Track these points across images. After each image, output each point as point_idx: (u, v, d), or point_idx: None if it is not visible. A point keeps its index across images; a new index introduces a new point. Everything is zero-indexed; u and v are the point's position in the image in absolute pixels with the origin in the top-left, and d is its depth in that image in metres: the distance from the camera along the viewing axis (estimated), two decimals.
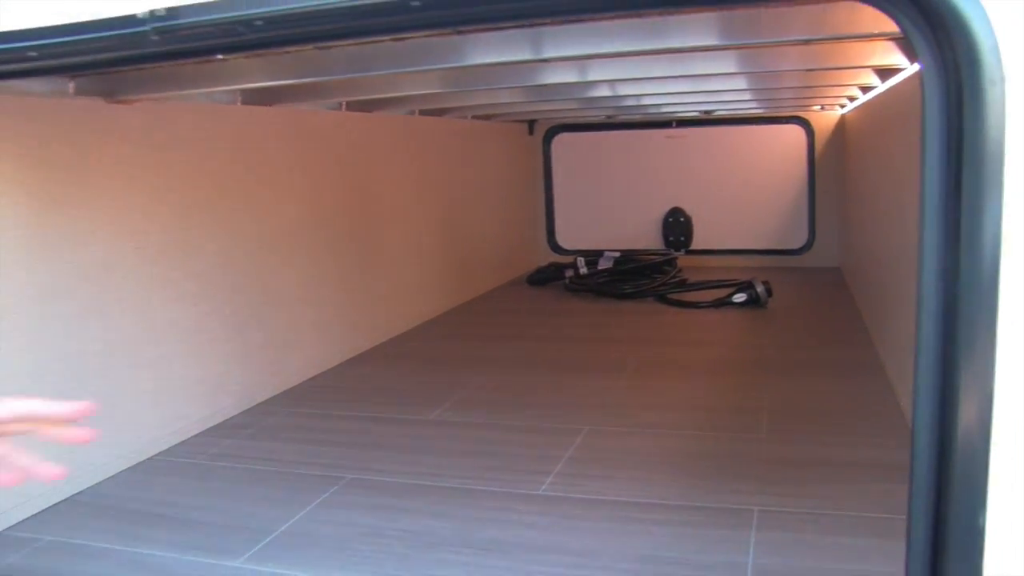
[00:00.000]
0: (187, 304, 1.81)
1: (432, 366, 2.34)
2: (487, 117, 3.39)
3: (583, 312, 3.05)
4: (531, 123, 3.95)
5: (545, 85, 2.17)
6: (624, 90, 2.42)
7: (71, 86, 1.53)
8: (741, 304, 2.93)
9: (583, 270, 3.50)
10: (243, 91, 1.93)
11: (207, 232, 1.87)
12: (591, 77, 2.00)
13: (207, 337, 1.87)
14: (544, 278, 3.58)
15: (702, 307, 2.96)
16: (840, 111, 3.50)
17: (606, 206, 3.92)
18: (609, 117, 3.69)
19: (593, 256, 3.61)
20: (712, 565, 1.17)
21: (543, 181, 4.02)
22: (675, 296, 3.10)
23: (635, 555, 1.21)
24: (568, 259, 3.73)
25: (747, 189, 3.74)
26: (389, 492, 1.48)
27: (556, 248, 4.02)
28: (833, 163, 3.57)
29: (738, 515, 1.32)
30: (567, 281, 3.48)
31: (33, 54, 0.81)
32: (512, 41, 1.46)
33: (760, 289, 2.92)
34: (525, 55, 1.62)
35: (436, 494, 1.46)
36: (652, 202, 3.85)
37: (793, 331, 2.61)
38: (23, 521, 1.42)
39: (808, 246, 3.70)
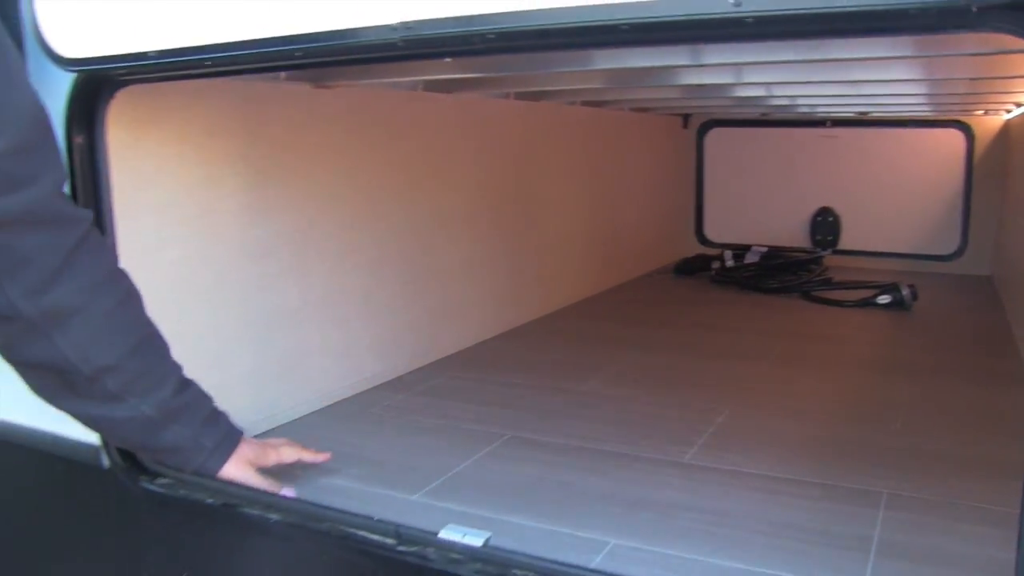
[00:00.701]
0: (368, 271, 2.01)
1: (582, 344, 2.49)
2: (644, 110, 3.51)
3: (727, 303, 3.14)
4: (686, 116, 4.04)
5: (701, 85, 2.28)
6: (779, 92, 2.51)
7: (283, 73, 1.73)
8: (885, 306, 2.96)
9: (729, 263, 3.59)
10: (425, 80, 2.11)
11: (388, 208, 2.07)
12: (747, 80, 2.10)
13: (383, 302, 2.07)
14: (691, 268, 3.67)
15: (846, 306, 3.01)
16: (1005, 116, 3.46)
17: (756, 201, 3.97)
18: (763, 115, 3.74)
19: (740, 250, 3.69)
20: (840, 535, 1.28)
21: (695, 174, 4.10)
22: (820, 294, 3.15)
23: (769, 520, 1.33)
24: (715, 252, 3.81)
25: (899, 191, 3.73)
26: (546, 450, 1.64)
27: (703, 240, 4.10)
28: (993, 170, 3.53)
29: (868, 496, 1.41)
30: (713, 273, 3.57)
31: (299, 54, 1.00)
32: (673, 49, 1.58)
33: (906, 292, 2.94)
34: (684, 61, 1.75)
35: (588, 455, 1.61)
36: (802, 200, 3.89)
37: (936, 335, 2.64)
38: None
39: (959, 253, 3.67)
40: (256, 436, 1.66)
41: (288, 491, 1.36)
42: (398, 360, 2.13)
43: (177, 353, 1.31)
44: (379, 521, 1.20)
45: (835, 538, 1.27)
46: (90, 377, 1.18)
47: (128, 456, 1.39)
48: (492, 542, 1.13)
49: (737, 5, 0.73)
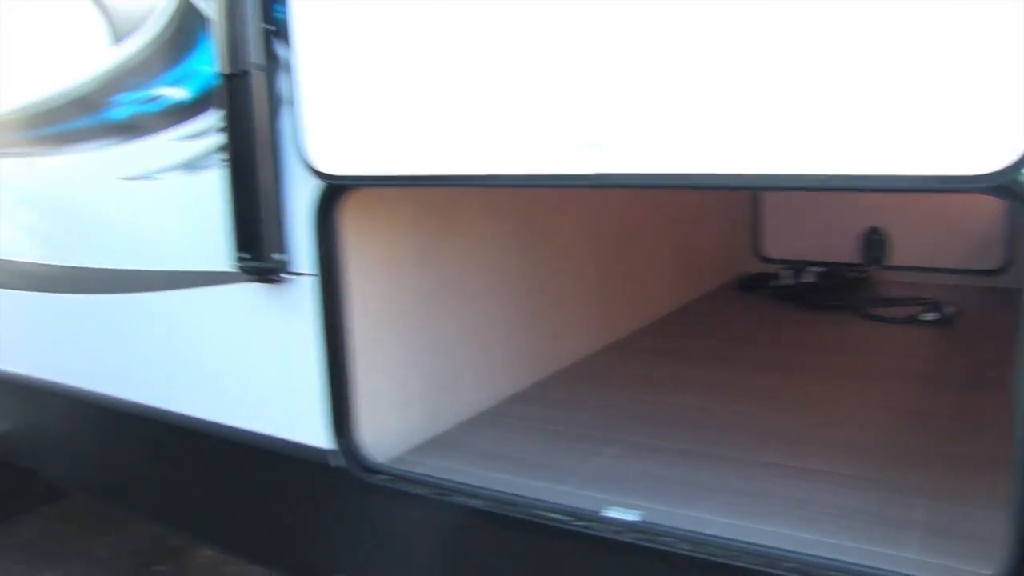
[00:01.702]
0: (501, 305, 2.47)
1: (670, 359, 2.93)
2: None
3: (788, 319, 3.55)
4: None
5: None
6: None
7: None
8: (931, 322, 3.35)
9: (788, 281, 4.00)
10: None
11: (516, 255, 2.52)
12: None
13: (512, 329, 2.53)
14: (753, 285, 4.09)
15: (895, 323, 3.41)
16: None
17: (811, 219, 4.34)
18: None
19: (796, 267, 4.09)
20: (894, 518, 1.71)
21: (753, 192, 4.47)
22: (873, 311, 3.55)
23: (841, 506, 1.76)
24: (773, 269, 4.21)
25: (945, 208, 4.05)
26: (657, 452, 2.08)
27: (762, 257, 4.49)
28: None
29: (918, 489, 1.85)
30: (772, 289, 3.98)
31: (501, 182, 1.46)
32: None
33: (950, 310, 3.34)
34: None
35: (691, 455, 2.05)
36: (853, 218, 4.24)
37: (984, 351, 3.02)
38: (410, 450, 2.11)
39: (1005, 268, 3.98)
40: (423, 442, 2.14)
41: None
42: (524, 376, 2.59)
43: (380, 376, 1.79)
44: (556, 504, 1.66)
45: (889, 520, 1.70)
46: None
47: (354, 456, 1.87)
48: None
49: None
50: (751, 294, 4.05)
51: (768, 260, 4.46)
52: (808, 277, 4.00)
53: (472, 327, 2.35)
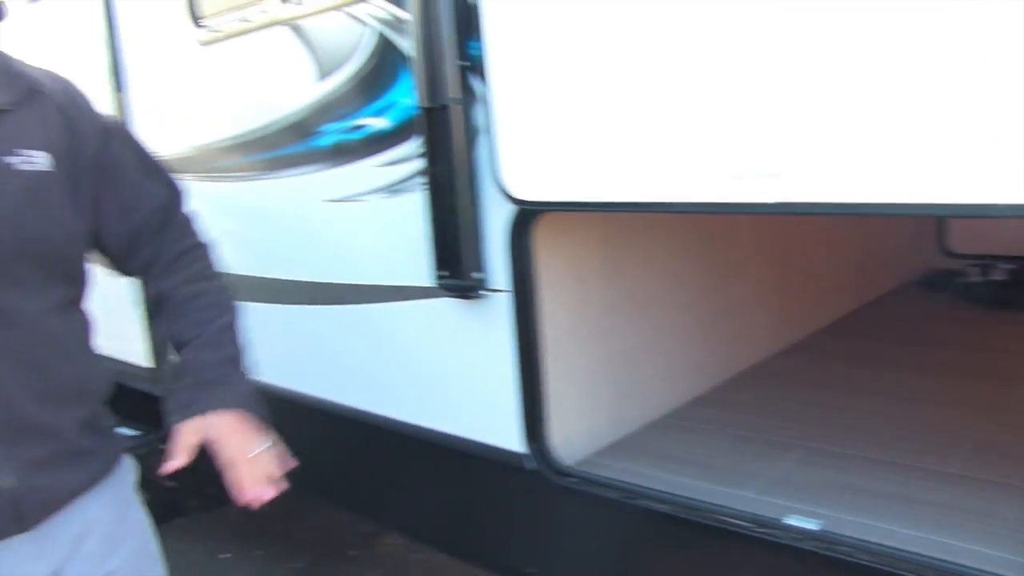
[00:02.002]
0: (679, 313, 2.55)
1: (849, 361, 2.93)
2: None
3: (975, 320, 3.46)
4: None
5: None
6: None
7: None
8: None
9: (976, 278, 3.87)
10: None
11: (692, 262, 2.59)
12: None
13: (692, 334, 2.60)
14: (938, 282, 3.98)
15: None
16: None
17: None
18: None
19: (986, 263, 3.95)
20: None
21: None
22: None
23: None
24: (960, 265, 4.08)
25: None
26: (841, 459, 2.11)
27: (949, 253, 4.35)
28: None
29: None
30: (958, 287, 3.86)
31: (689, 209, 1.54)
32: None
33: None
34: None
35: (877, 464, 2.06)
36: None
37: None
38: (595, 453, 2.22)
39: None
40: (608, 445, 2.25)
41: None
42: (705, 380, 2.66)
43: (568, 383, 1.92)
44: (737, 510, 1.74)
45: None
46: None
47: (546, 459, 2.00)
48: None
49: None
50: (936, 292, 3.95)
51: (955, 256, 4.32)
52: (998, 274, 3.87)
53: (654, 334, 2.44)
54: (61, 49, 3.55)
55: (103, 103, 3.08)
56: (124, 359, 3.47)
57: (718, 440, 2.29)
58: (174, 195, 1.70)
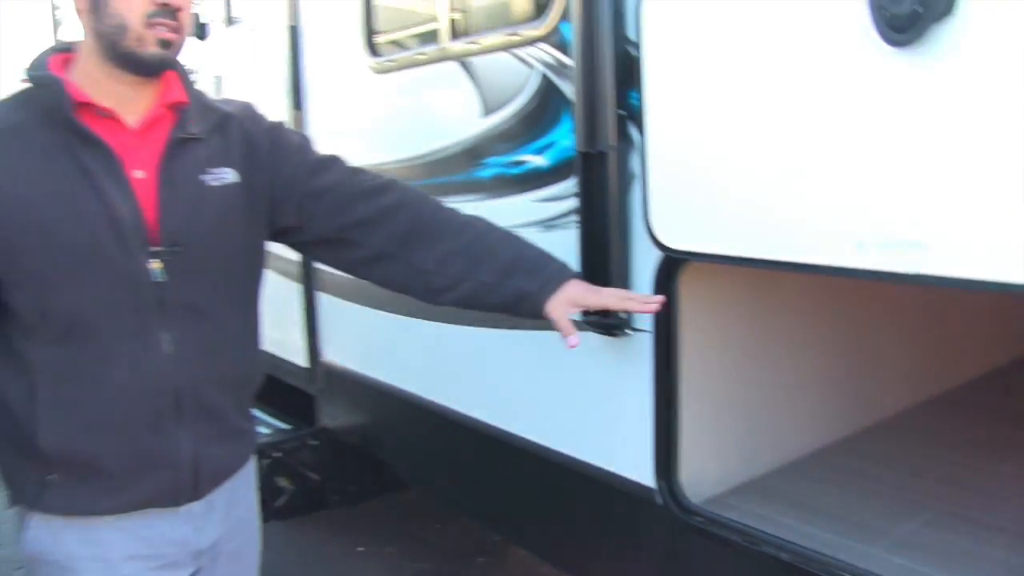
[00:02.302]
0: (818, 356, 2.57)
1: (994, 418, 2.85)
2: None
3: None
4: None
5: None
6: None
7: None
8: None
9: None
10: None
11: (835, 304, 2.60)
12: None
13: (826, 380, 2.61)
14: None
15: None
16: None
17: None
18: None
19: None
20: None
21: None
22: None
23: None
24: None
25: None
26: (974, 525, 2.09)
27: None
28: None
29: None
30: None
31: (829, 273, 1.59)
32: None
33: None
34: None
35: (1013, 536, 2.04)
36: None
37: None
38: (724, 493, 2.27)
39: None
40: (737, 485, 2.30)
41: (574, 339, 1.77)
42: (840, 428, 2.67)
43: (702, 423, 1.98)
44: (862, 568, 1.77)
45: None
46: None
47: (674, 496, 2.07)
48: None
49: None
50: None
51: None
52: None
53: (791, 380, 2.48)
54: (250, 67, 3.83)
55: (283, 118, 3.33)
56: (283, 356, 3.72)
57: (848, 491, 2.30)
58: (340, 161, 1.91)
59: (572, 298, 1.78)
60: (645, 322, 2.07)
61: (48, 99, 1.58)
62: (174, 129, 1.66)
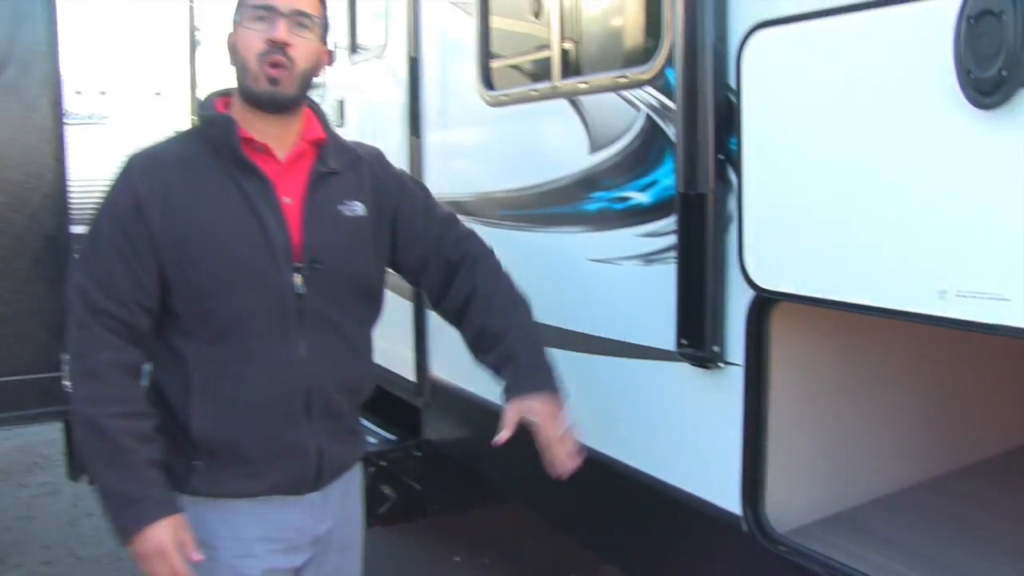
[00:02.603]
0: (907, 396, 2.59)
1: None
2: None
3: None
4: None
5: None
6: None
7: None
8: None
9: None
10: None
11: (927, 343, 2.63)
12: None
13: (920, 417, 2.64)
14: None
15: None
16: None
17: None
18: None
19: None
20: None
21: None
22: None
23: None
24: None
25: None
26: None
27: None
28: None
29: None
30: None
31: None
32: None
33: None
34: None
35: None
36: None
37: None
38: (809, 525, 2.33)
39: None
40: (823, 518, 2.36)
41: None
42: (931, 466, 2.69)
43: (790, 455, 2.07)
44: None
45: None
46: None
47: (760, 524, 2.16)
48: None
49: None
50: None
51: None
52: None
53: (881, 416, 2.52)
54: (372, 94, 4.06)
55: (401, 144, 3.54)
56: (392, 369, 3.91)
57: (936, 531, 2.34)
58: (455, 219, 2.23)
59: (530, 408, 1.95)
60: (737, 355, 2.16)
61: (219, 134, 1.87)
62: (316, 163, 1.95)
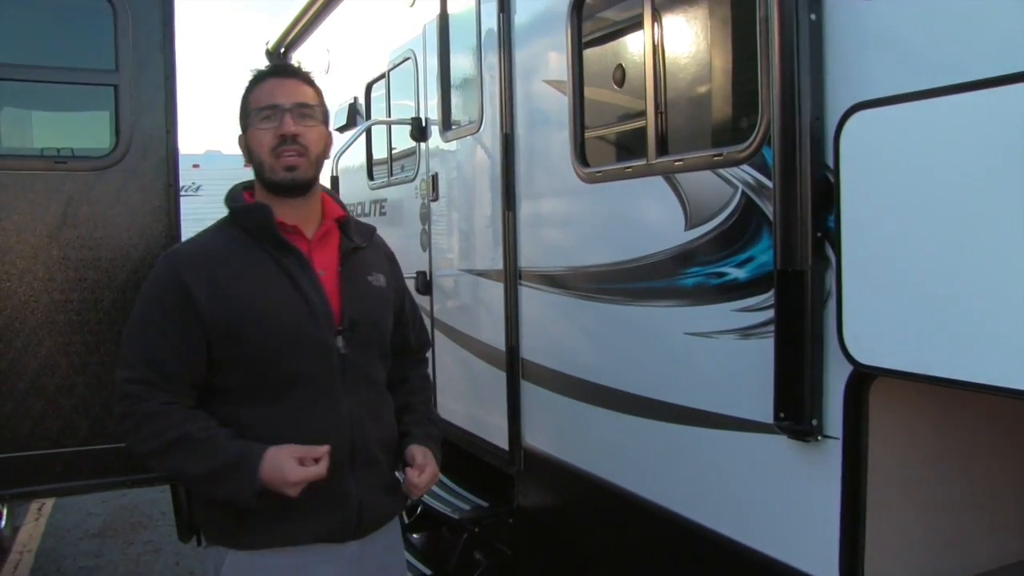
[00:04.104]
0: (1010, 470, 2.56)
1: None
2: None
3: None
4: None
5: None
6: None
7: None
8: None
9: None
10: None
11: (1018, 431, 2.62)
12: None
13: (1017, 494, 2.61)
14: None
15: None
16: None
17: None
18: None
19: None
20: None
21: None
22: None
23: None
24: None
25: None
26: None
27: None
28: None
29: None
30: None
31: None
32: None
33: None
34: None
35: None
36: None
37: None
38: None
39: None
40: None
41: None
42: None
43: (889, 528, 2.05)
44: None
45: None
46: None
47: None
48: None
49: None
50: None
51: None
52: None
53: (982, 489, 2.51)
54: (466, 168, 4.21)
55: (495, 218, 3.66)
56: (484, 436, 3.99)
57: None
58: (425, 337, 2.60)
59: (412, 454, 2.24)
60: (835, 429, 2.19)
61: (255, 219, 2.10)
62: (343, 239, 2.19)
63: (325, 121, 2.18)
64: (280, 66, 2.33)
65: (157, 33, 3.43)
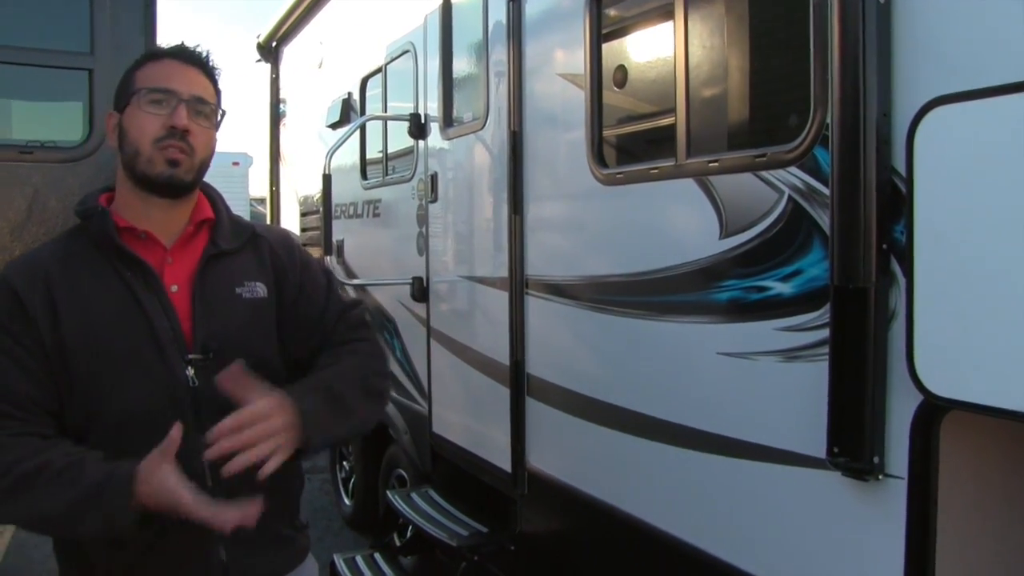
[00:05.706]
0: None
1: None
2: None
3: None
4: None
5: None
6: None
7: None
8: None
9: None
10: None
11: None
12: None
13: None
14: None
15: None
16: None
17: None
18: None
19: None
20: None
21: None
22: None
23: None
24: None
25: None
26: None
27: None
28: None
29: None
30: None
31: None
32: None
33: None
34: None
35: None
36: None
37: None
38: None
39: None
40: None
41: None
42: None
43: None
44: None
45: None
46: None
47: None
48: None
49: None
50: None
51: None
52: None
53: None
54: (468, 168, 3.95)
55: (501, 222, 3.40)
56: (484, 457, 3.72)
57: None
58: (356, 309, 2.01)
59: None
60: (898, 467, 1.94)
61: (95, 227, 1.76)
62: (207, 247, 1.82)
63: (218, 125, 1.85)
64: (185, 49, 1.86)
65: (138, 14, 3.15)
